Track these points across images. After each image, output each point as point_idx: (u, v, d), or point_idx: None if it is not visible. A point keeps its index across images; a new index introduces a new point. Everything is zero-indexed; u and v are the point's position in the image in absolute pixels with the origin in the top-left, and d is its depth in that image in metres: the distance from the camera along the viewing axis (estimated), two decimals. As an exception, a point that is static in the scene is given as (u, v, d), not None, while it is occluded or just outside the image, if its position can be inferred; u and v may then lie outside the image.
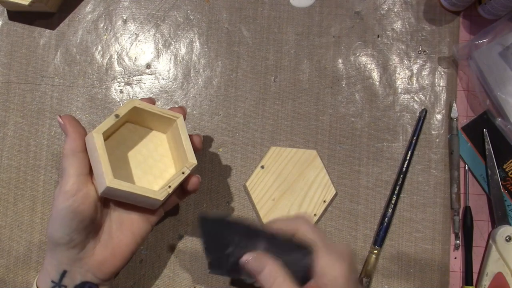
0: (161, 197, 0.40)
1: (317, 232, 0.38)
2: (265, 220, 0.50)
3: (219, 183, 0.51)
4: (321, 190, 0.50)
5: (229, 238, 0.38)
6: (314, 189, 0.50)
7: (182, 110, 0.43)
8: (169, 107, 0.46)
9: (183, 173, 0.41)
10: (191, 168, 0.41)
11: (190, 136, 0.42)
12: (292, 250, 0.37)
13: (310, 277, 0.37)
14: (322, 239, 0.38)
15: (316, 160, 0.51)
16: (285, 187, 0.50)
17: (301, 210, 0.50)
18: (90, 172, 0.40)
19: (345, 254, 0.37)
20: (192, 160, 0.41)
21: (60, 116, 0.41)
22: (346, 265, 0.36)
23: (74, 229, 0.38)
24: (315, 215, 0.50)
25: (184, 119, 0.43)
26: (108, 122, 0.41)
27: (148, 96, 0.53)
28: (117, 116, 0.41)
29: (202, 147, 0.45)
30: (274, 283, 0.36)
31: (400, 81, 0.53)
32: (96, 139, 0.39)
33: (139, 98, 0.52)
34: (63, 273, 0.39)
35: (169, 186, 0.40)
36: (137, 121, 0.44)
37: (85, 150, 0.40)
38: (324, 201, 0.50)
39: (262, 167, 0.51)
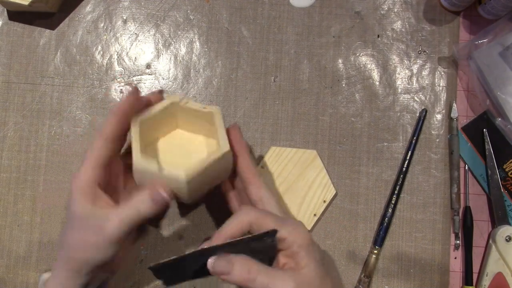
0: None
1: (266, 213, 0.38)
2: None
3: (218, 184, 0.51)
4: (321, 190, 0.50)
5: (187, 270, 0.37)
6: (314, 189, 0.50)
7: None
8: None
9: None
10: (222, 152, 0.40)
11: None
12: (251, 243, 0.37)
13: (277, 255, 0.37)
14: (275, 218, 0.38)
15: (316, 160, 0.51)
16: (285, 187, 0.50)
17: (301, 210, 0.50)
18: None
19: (299, 223, 0.38)
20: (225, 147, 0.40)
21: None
22: (305, 229, 0.37)
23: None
24: (315, 215, 0.50)
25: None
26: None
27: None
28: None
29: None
30: (250, 274, 0.35)
31: (400, 81, 0.53)
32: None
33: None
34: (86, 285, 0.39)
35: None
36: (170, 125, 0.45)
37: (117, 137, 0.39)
38: (324, 201, 0.50)
39: (262, 167, 0.51)
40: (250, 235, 0.37)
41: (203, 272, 0.37)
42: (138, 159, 0.38)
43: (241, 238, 0.37)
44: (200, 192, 0.42)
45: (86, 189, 0.38)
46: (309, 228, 0.50)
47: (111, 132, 0.39)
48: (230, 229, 0.39)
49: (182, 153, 0.45)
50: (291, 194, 0.50)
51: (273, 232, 0.36)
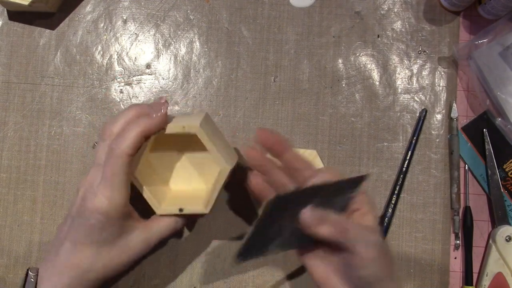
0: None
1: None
2: None
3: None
4: None
5: (285, 212, 0.38)
6: None
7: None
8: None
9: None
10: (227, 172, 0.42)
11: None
12: (335, 189, 0.38)
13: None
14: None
15: (316, 160, 0.51)
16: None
17: None
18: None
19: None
20: (225, 165, 0.42)
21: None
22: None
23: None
24: None
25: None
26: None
27: (147, 96, 0.53)
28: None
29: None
30: (344, 224, 0.36)
31: (400, 81, 0.53)
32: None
33: (138, 98, 0.53)
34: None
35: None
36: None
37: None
38: None
39: None
40: (339, 180, 0.38)
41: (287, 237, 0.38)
42: (158, 210, 0.42)
43: (327, 182, 0.38)
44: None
45: (119, 210, 0.39)
46: None
47: (132, 148, 0.38)
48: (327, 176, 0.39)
49: (189, 175, 0.47)
50: None
51: (364, 177, 0.38)
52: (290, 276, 0.50)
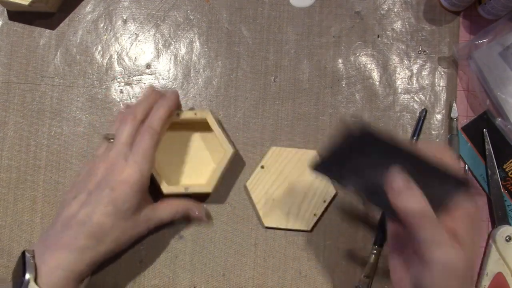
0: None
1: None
2: (265, 220, 0.50)
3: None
4: (321, 190, 0.50)
5: (367, 151, 0.34)
6: (314, 189, 0.50)
7: None
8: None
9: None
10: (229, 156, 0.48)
11: None
12: (438, 177, 0.32)
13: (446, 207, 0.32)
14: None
15: None
16: (285, 187, 0.50)
17: (301, 210, 0.50)
18: None
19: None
20: (229, 149, 0.47)
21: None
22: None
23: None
24: (315, 214, 0.50)
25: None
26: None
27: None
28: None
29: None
30: (426, 209, 0.31)
31: (400, 81, 0.53)
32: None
33: (138, 98, 0.53)
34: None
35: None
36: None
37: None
38: (324, 201, 0.50)
39: (262, 167, 0.51)
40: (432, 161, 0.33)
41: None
42: (165, 189, 0.47)
43: (432, 161, 0.33)
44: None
45: (144, 184, 0.42)
46: (309, 228, 0.50)
47: (161, 127, 0.44)
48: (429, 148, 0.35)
49: (193, 160, 0.51)
50: (291, 194, 0.50)
51: (467, 181, 0.32)
52: (290, 276, 0.50)
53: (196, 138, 0.51)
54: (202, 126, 0.50)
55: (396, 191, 0.32)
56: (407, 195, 0.32)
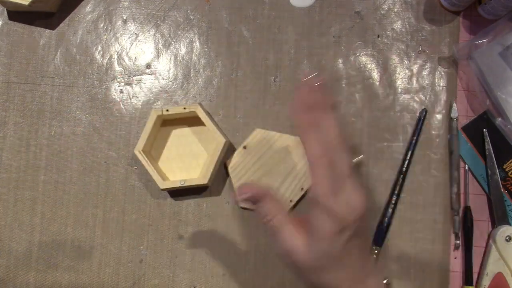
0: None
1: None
2: (241, 200, 0.49)
3: (219, 183, 0.51)
4: (300, 178, 0.50)
5: None
6: (293, 176, 0.50)
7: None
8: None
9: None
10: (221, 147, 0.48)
11: None
12: None
13: None
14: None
15: (300, 147, 0.50)
16: (265, 170, 0.50)
17: (278, 194, 0.50)
18: None
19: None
20: (221, 139, 0.48)
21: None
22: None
23: None
24: (291, 201, 0.49)
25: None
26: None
27: (147, 96, 0.53)
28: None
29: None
30: (272, 220, 0.35)
31: (400, 81, 0.53)
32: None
33: (138, 98, 0.53)
34: None
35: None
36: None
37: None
38: (302, 189, 0.50)
39: (245, 147, 0.50)
40: None
41: None
42: (161, 185, 0.48)
43: None
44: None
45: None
46: None
47: None
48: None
49: (188, 155, 0.52)
50: (270, 178, 0.50)
51: None
52: (290, 276, 0.50)
53: (189, 133, 0.52)
54: (193, 121, 0.51)
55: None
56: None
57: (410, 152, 0.51)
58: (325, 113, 0.36)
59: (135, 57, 0.53)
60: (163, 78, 0.53)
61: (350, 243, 0.33)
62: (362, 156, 0.40)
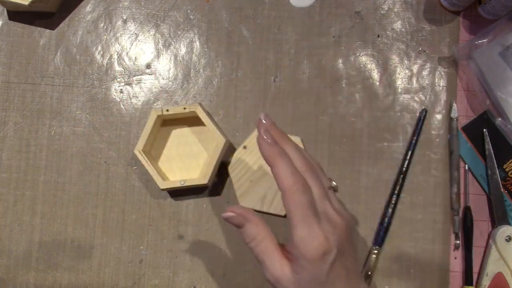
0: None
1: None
2: (240, 200, 0.50)
3: (219, 183, 0.51)
4: None
5: None
6: None
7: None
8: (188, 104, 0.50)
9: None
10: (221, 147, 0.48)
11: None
12: None
13: None
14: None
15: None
16: (265, 170, 0.50)
17: (278, 195, 0.49)
18: None
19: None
20: (220, 139, 0.48)
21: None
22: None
23: None
24: None
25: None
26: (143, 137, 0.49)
27: (147, 96, 0.53)
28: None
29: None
30: (258, 245, 0.35)
31: (400, 81, 0.53)
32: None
33: (138, 98, 0.53)
34: None
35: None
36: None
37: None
38: None
39: (245, 147, 0.50)
40: None
41: None
42: (161, 185, 0.48)
43: None
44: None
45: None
46: (283, 213, 0.49)
47: None
48: None
49: (188, 155, 0.52)
50: (270, 178, 0.50)
51: None
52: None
53: (189, 133, 0.52)
54: (193, 121, 0.51)
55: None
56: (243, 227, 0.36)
57: (410, 152, 0.51)
58: (288, 143, 0.38)
59: (135, 57, 0.53)
60: (163, 78, 0.53)
61: (337, 264, 0.33)
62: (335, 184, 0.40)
